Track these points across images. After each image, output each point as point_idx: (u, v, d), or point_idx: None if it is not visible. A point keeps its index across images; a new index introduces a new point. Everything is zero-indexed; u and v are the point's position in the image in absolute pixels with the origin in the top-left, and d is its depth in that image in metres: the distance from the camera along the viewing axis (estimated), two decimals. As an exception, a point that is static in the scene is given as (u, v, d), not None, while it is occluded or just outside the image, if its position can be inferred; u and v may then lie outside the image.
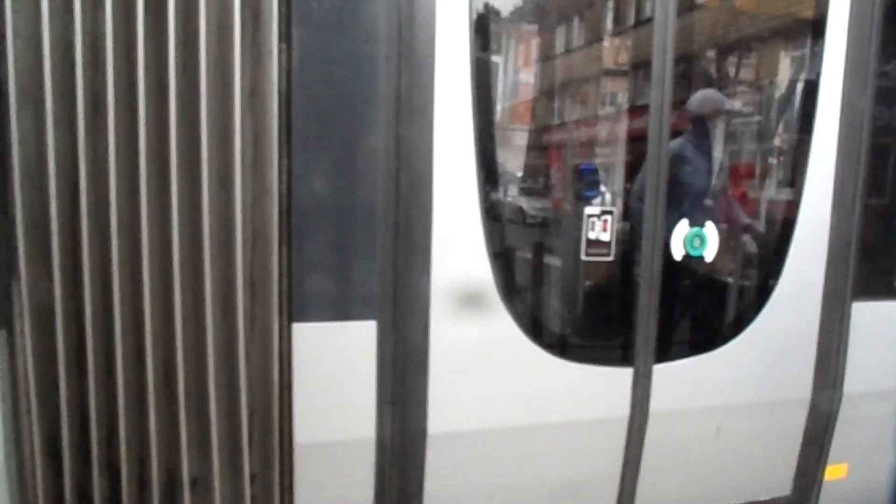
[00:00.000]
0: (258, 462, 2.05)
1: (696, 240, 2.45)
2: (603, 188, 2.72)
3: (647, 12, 2.55)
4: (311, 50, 1.91)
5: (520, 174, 2.97)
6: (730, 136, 3.20)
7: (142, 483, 2.02)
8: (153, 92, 1.82)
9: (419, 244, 2.02)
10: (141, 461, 2.00)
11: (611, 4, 3.20)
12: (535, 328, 2.48)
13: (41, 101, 1.76)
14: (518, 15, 2.83)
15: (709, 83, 3.13)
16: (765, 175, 3.21)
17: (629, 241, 2.54)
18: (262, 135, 1.91)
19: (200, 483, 2.04)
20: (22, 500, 1.90)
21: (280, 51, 1.88)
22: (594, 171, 2.74)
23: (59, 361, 1.87)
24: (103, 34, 1.78)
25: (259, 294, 1.96)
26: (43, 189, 1.79)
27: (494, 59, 2.62)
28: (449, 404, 2.13)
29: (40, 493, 1.91)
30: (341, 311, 2.01)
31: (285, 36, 1.87)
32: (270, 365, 1.99)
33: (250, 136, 1.89)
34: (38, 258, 1.81)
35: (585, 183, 2.61)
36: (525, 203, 2.90)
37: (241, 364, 1.97)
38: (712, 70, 3.35)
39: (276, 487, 2.07)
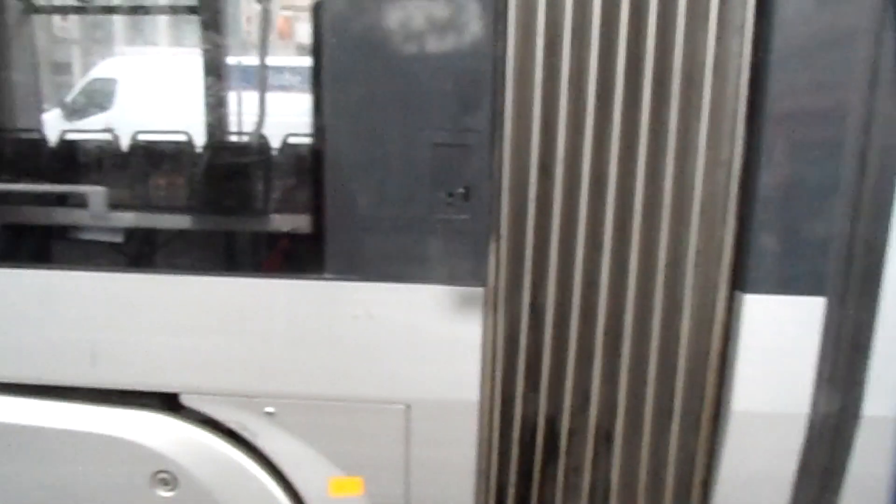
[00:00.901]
0: (686, 425, 2.12)
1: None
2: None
3: None
4: (790, 25, 1.90)
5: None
6: None
7: (574, 433, 2.18)
8: (632, 68, 1.94)
9: (880, 223, 1.95)
10: (580, 413, 2.16)
11: None
12: None
13: (530, 81, 1.96)
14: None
15: None
16: None
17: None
18: (721, 108, 1.96)
19: (628, 440, 2.17)
20: (479, 437, 2.13)
21: (748, 26, 1.91)
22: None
23: (522, 315, 2.07)
24: (588, 20, 1.93)
25: (707, 263, 2.02)
26: (525, 157, 1.98)
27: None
28: (888, 388, 2.05)
29: (495, 435, 2.15)
30: (792, 285, 2.01)
31: (759, 10, 1.89)
32: (711, 333, 2.05)
33: (710, 109, 1.95)
34: (516, 220, 2.01)
35: None
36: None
37: (684, 330, 2.05)
38: None
39: (701, 452, 2.13)
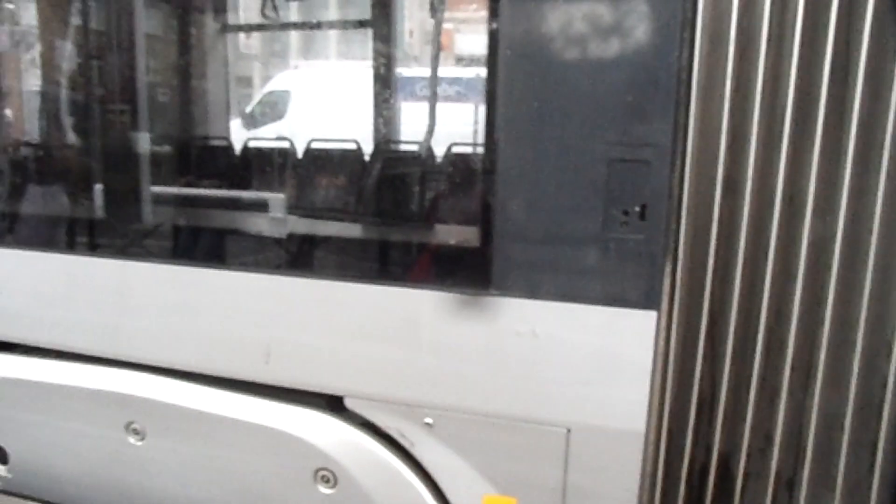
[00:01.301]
0: (886, 480, 1.87)
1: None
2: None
3: None
4: None
5: None
6: None
7: (751, 477, 1.99)
8: (837, 76, 1.74)
9: None
10: (760, 455, 1.97)
11: None
12: None
13: (718, 92, 1.81)
14: None
15: None
16: None
17: None
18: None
19: (815, 492, 1.94)
20: (643, 469, 2.00)
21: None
22: None
23: (697, 343, 1.92)
24: (789, 25, 1.76)
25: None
26: (709, 174, 1.84)
27: None
28: None
29: (661, 470, 2.01)
30: None
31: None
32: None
33: None
34: (696, 242, 1.87)
35: None
36: None
37: (892, 371, 1.80)
38: None
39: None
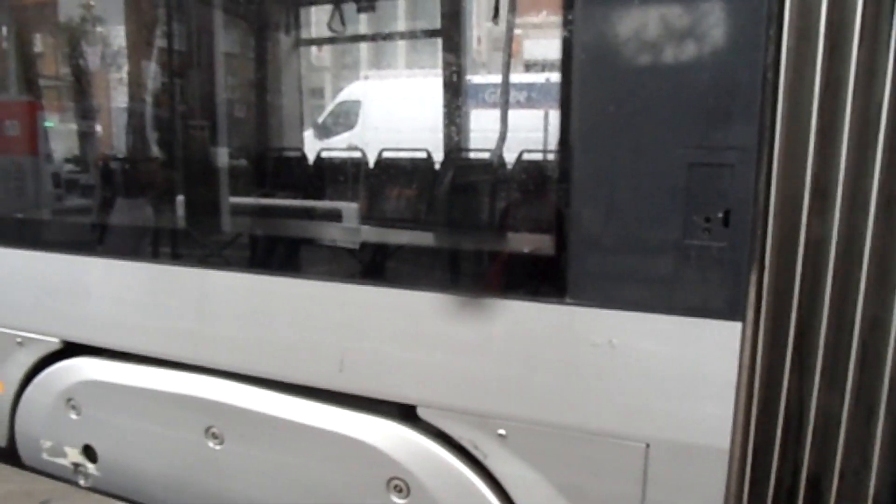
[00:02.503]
0: None
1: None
2: None
3: None
4: None
5: None
6: None
7: (844, 500, 1.87)
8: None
9: None
10: (854, 477, 1.84)
11: None
12: None
13: (807, 91, 1.72)
14: None
15: None
16: None
17: None
18: None
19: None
20: (727, 489, 1.91)
21: None
22: None
23: (785, 356, 1.82)
24: (885, 18, 1.65)
25: None
26: (797, 177, 1.74)
27: None
28: None
29: (746, 489, 1.91)
30: None
31: None
32: None
33: None
34: (784, 249, 1.78)
35: None
36: None
37: None
38: None
39: None
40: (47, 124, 3.41)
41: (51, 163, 3.44)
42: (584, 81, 1.89)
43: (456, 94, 3.56)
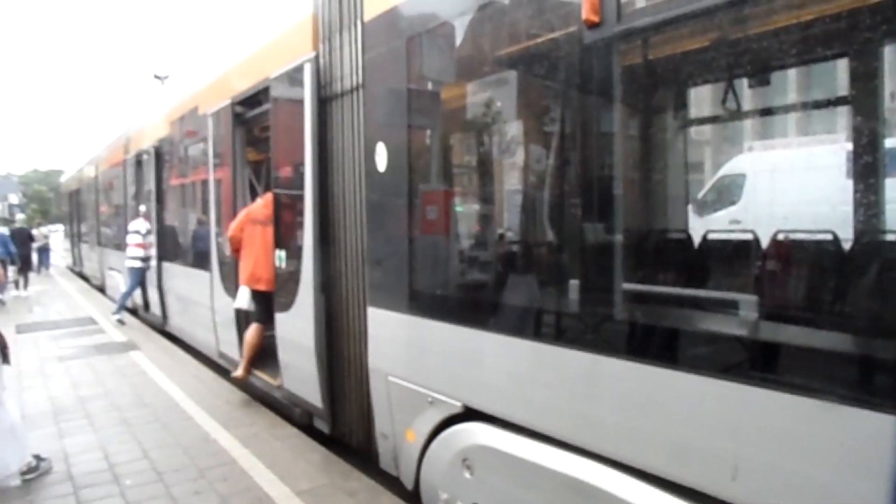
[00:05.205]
0: None
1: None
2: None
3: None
4: None
5: None
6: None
7: None
8: None
9: None
10: None
11: None
12: None
13: None
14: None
15: None
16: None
17: None
18: None
19: None
20: None
21: None
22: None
23: None
24: None
25: None
26: None
27: None
28: None
29: None
30: None
31: None
32: None
33: None
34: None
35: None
36: None
37: None
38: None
39: None
40: (458, 209, 3.91)
41: (458, 243, 3.89)
42: None
43: (869, 162, 3.01)
